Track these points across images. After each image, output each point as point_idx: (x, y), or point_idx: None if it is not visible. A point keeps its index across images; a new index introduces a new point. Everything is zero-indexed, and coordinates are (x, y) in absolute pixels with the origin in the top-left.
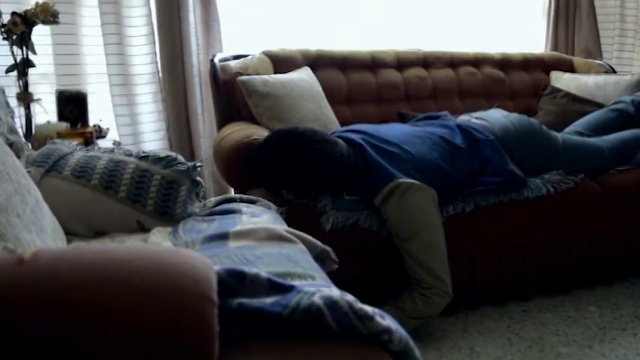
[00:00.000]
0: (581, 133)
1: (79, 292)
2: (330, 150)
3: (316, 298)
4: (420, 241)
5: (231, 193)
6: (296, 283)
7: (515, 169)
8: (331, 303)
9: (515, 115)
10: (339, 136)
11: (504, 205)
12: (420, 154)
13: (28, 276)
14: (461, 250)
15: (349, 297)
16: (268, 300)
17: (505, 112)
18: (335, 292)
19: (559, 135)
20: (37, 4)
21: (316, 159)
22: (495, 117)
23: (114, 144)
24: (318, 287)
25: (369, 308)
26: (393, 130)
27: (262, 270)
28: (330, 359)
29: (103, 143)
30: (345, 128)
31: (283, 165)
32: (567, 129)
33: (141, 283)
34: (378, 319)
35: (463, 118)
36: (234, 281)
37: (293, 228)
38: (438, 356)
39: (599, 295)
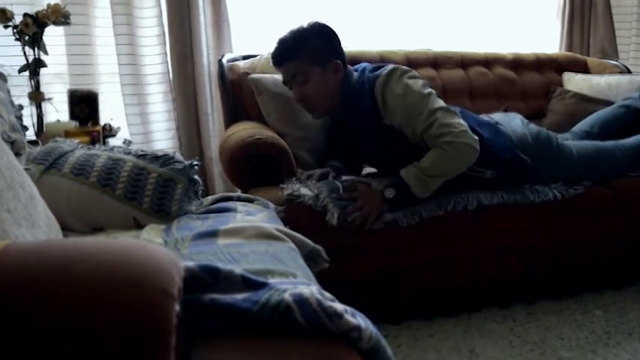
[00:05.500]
0: (589, 133)
1: (42, 283)
2: None
3: (286, 295)
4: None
5: (238, 192)
6: (276, 280)
7: (518, 151)
8: (301, 300)
9: (533, 126)
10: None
11: (509, 207)
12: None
13: None
14: (464, 250)
15: (326, 295)
16: (240, 296)
17: (524, 120)
18: (307, 289)
19: (573, 148)
20: (48, 5)
21: None
22: (514, 124)
23: (124, 142)
24: (296, 285)
25: (339, 306)
26: None
27: (245, 267)
28: (297, 355)
29: (113, 142)
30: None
31: None
32: (575, 128)
33: (103, 276)
34: (348, 317)
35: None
36: (209, 277)
37: (292, 226)
38: (438, 357)
39: (606, 299)
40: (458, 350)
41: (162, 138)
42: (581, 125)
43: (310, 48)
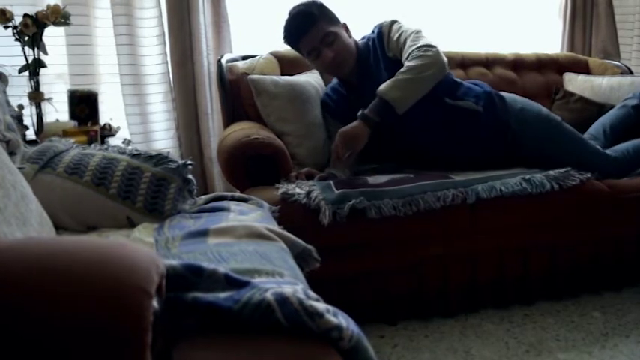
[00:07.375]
0: (595, 140)
1: (18, 279)
2: None
3: (268, 294)
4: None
5: (237, 192)
6: (262, 279)
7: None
8: (282, 299)
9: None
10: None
11: (507, 199)
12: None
13: None
14: (462, 250)
15: (310, 294)
16: (222, 295)
17: None
18: (289, 288)
19: (564, 124)
20: (48, 5)
21: None
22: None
23: (124, 142)
24: (280, 284)
25: (321, 305)
26: None
27: (232, 266)
28: (276, 354)
29: (113, 142)
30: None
31: None
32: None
33: (79, 273)
34: (329, 316)
35: None
36: (192, 276)
37: (286, 226)
38: (433, 358)
39: (605, 301)
40: (454, 351)
41: (162, 138)
42: (587, 135)
43: (326, 11)
